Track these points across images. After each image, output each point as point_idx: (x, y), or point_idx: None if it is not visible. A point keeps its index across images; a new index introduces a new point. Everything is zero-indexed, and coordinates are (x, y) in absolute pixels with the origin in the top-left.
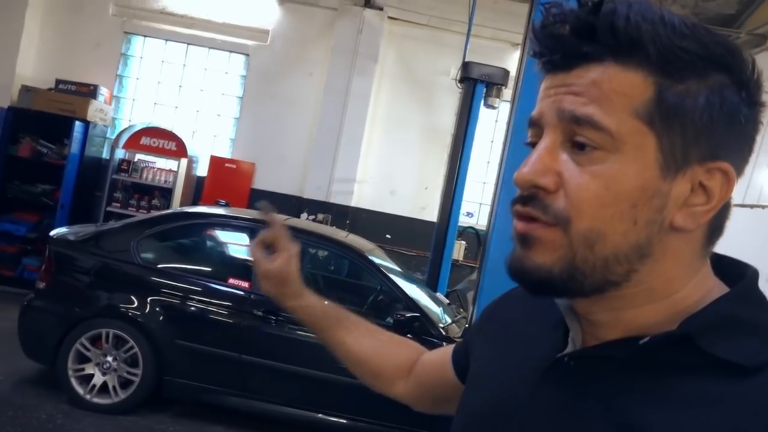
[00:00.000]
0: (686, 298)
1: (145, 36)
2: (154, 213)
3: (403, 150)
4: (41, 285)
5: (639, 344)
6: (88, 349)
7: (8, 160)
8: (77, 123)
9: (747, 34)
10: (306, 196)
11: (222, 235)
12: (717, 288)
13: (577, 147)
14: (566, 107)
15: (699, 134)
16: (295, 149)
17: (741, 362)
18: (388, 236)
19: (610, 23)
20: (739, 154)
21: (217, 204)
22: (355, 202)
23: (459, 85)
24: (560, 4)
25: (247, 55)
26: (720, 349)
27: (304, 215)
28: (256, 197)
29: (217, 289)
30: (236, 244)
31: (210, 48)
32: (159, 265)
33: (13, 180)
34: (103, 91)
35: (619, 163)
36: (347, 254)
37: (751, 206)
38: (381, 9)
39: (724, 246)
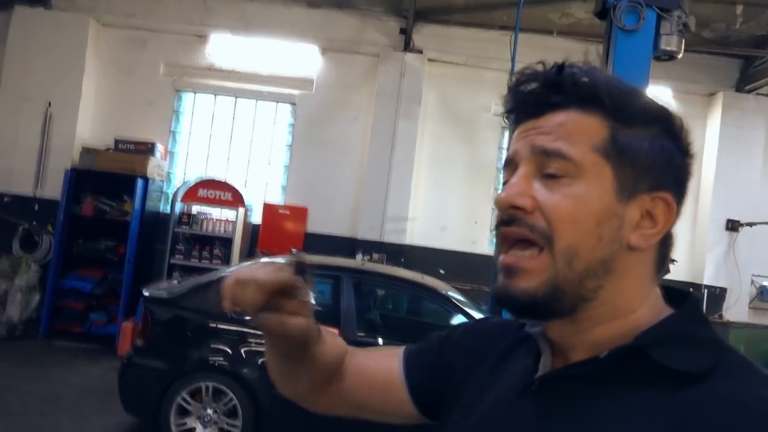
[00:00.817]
0: (641, 317)
1: (194, 92)
2: (244, 264)
3: (450, 186)
4: (140, 342)
5: (599, 359)
6: (188, 403)
7: (72, 220)
8: (138, 180)
9: None
10: (360, 236)
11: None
12: (665, 310)
13: (548, 176)
14: (538, 143)
15: (645, 169)
16: (346, 192)
17: (689, 370)
18: (441, 271)
19: (573, 79)
20: (677, 189)
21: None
22: (408, 239)
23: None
24: (531, 68)
25: (294, 104)
26: (670, 360)
27: (359, 256)
28: (310, 241)
29: None
30: (327, 292)
31: (257, 99)
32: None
33: (77, 238)
34: (159, 147)
35: (584, 186)
36: (428, 295)
37: None
38: (420, 52)
39: None
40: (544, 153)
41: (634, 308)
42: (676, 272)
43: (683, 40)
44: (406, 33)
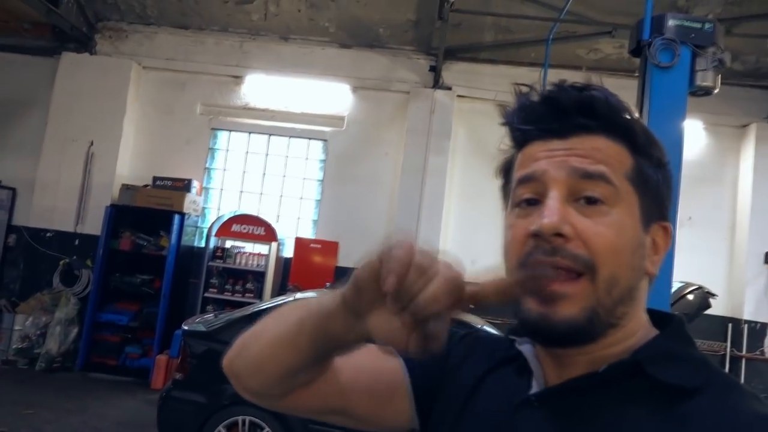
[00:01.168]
0: (638, 337)
1: (230, 131)
2: (278, 299)
3: (480, 219)
4: (178, 375)
5: (598, 373)
6: None
7: (110, 254)
8: (175, 215)
9: None
10: None
11: None
12: (653, 331)
13: (585, 201)
14: (576, 165)
15: (658, 200)
16: (377, 226)
17: (683, 385)
18: (471, 306)
19: (607, 105)
20: (671, 213)
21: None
22: None
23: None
24: (559, 84)
25: (325, 140)
26: (665, 375)
27: None
28: (341, 275)
29: None
30: None
31: (290, 137)
32: None
33: (114, 272)
34: (195, 184)
35: (620, 215)
36: (464, 329)
37: None
38: (450, 89)
39: None
40: (585, 176)
41: (636, 330)
42: (716, 307)
43: (719, 76)
44: (435, 70)
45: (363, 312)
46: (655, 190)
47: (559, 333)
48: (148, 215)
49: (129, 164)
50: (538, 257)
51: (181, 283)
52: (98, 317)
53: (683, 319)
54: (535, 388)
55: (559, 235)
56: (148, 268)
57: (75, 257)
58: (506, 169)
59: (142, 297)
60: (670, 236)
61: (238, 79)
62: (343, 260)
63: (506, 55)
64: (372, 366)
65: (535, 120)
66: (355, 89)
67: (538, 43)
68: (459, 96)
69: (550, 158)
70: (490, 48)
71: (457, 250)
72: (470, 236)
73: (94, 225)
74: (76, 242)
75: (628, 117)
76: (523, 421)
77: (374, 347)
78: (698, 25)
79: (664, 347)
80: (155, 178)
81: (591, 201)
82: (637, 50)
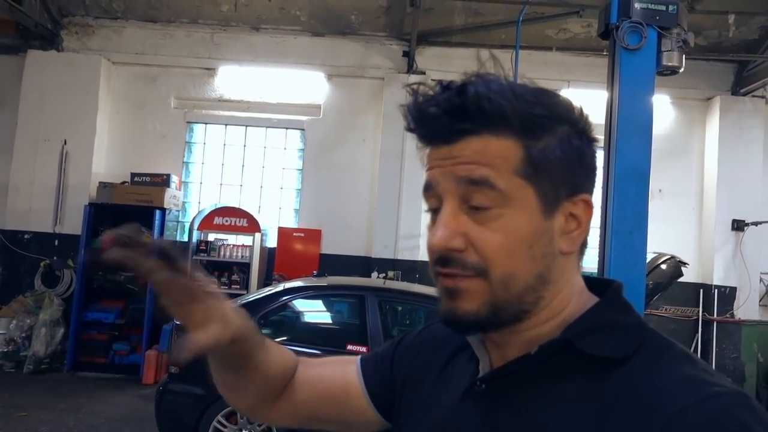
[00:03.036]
0: (571, 310)
1: (206, 123)
2: (267, 290)
3: None
4: (174, 369)
5: (531, 355)
6: (224, 426)
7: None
8: (156, 211)
9: None
10: (374, 255)
11: (334, 304)
12: (591, 300)
13: (473, 209)
14: (461, 174)
15: (562, 177)
16: (358, 212)
17: (611, 356)
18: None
19: (478, 105)
20: (590, 183)
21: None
22: (421, 256)
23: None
24: (427, 89)
25: (303, 129)
26: (595, 348)
27: (375, 274)
28: (325, 262)
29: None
30: (349, 312)
31: (267, 127)
32: (278, 339)
33: (96, 272)
34: (174, 179)
35: (512, 215)
36: None
37: None
38: (424, 73)
39: None
40: (470, 183)
41: (566, 304)
42: (688, 274)
43: (684, 55)
44: (409, 56)
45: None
46: (557, 170)
47: (465, 325)
48: (128, 212)
49: (105, 162)
50: (435, 269)
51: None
52: (84, 316)
53: (620, 285)
54: (481, 373)
55: (453, 249)
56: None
57: (55, 258)
58: None
59: (127, 294)
60: (591, 206)
61: (211, 71)
62: (327, 247)
63: (477, 38)
64: (329, 372)
65: (421, 128)
66: (330, 77)
67: (508, 25)
68: (433, 80)
69: (440, 167)
70: (461, 31)
71: None
72: None
73: (73, 225)
74: (56, 243)
75: (500, 108)
76: (468, 407)
77: (339, 357)
78: (662, 8)
79: (598, 318)
80: (133, 175)
81: (481, 208)
82: (606, 33)
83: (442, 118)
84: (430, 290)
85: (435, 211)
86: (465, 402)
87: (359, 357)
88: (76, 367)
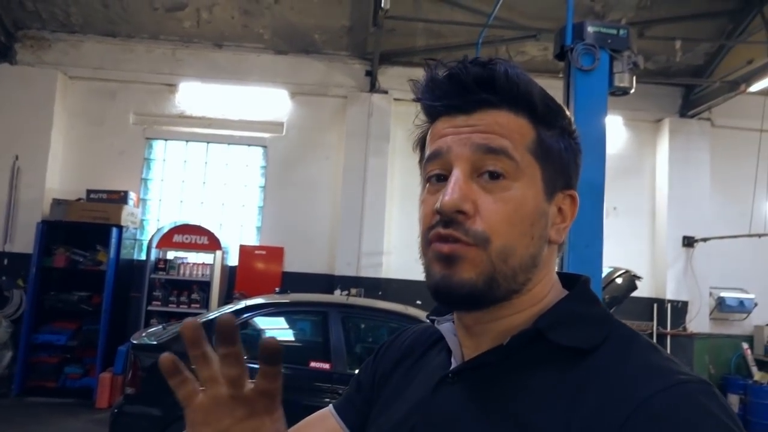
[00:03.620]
0: (546, 302)
1: (166, 139)
2: (228, 308)
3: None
4: (130, 390)
5: (503, 346)
6: None
7: (44, 273)
8: (112, 229)
9: (721, 81)
10: (337, 273)
11: (297, 321)
12: (561, 293)
13: (488, 176)
14: (479, 141)
15: (562, 169)
16: (321, 230)
17: (580, 346)
18: (418, 302)
19: (507, 80)
20: (576, 182)
21: (240, 296)
22: (384, 273)
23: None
24: (460, 60)
25: (265, 146)
26: (564, 338)
27: (338, 291)
28: (288, 280)
29: (301, 372)
30: (312, 329)
31: (229, 144)
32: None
33: (48, 291)
34: (131, 196)
35: (522, 189)
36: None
37: (759, 236)
38: (386, 92)
39: (733, 271)
40: (488, 151)
41: (544, 294)
42: (642, 288)
43: (634, 77)
44: (371, 75)
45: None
46: (559, 160)
47: (459, 294)
48: (83, 230)
49: (59, 178)
50: (437, 230)
51: (121, 298)
52: (34, 339)
53: (588, 279)
54: (453, 365)
55: (461, 212)
56: (86, 285)
57: (4, 278)
58: (422, 143)
59: (80, 314)
60: (576, 204)
61: (172, 87)
62: (289, 265)
63: (439, 59)
64: (311, 428)
65: (441, 96)
66: (293, 95)
67: (468, 47)
68: (396, 99)
69: (455, 135)
70: (423, 52)
71: (400, 250)
72: (413, 235)
73: (24, 243)
74: (5, 262)
75: (529, 89)
76: (441, 398)
77: (310, 419)
78: (614, 32)
79: (567, 310)
80: (89, 191)
81: (493, 176)
82: (561, 54)
83: (469, 86)
84: (393, 306)
85: (438, 178)
86: (437, 393)
87: (330, 405)
88: (25, 392)
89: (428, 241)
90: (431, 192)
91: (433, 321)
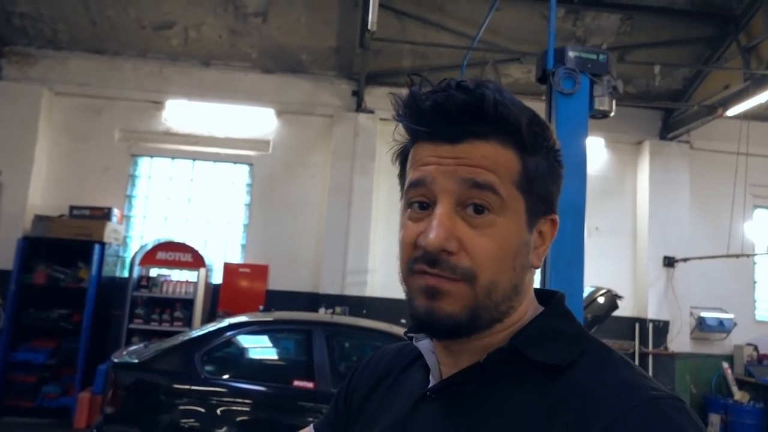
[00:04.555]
0: (522, 320)
1: (151, 156)
2: (210, 327)
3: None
4: (109, 410)
5: (480, 363)
6: None
7: (23, 289)
8: (95, 245)
9: (699, 105)
10: (321, 291)
11: (281, 339)
12: (537, 310)
13: (473, 209)
14: (465, 176)
15: (544, 195)
16: (306, 248)
17: (556, 363)
18: (403, 321)
19: (496, 111)
20: (558, 202)
21: (223, 314)
22: (368, 291)
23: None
24: (446, 86)
25: (251, 164)
26: (540, 355)
27: (322, 310)
28: (272, 298)
29: (284, 391)
30: (296, 347)
31: (215, 161)
32: (224, 376)
33: (27, 309)
34: (115, 212)
35: (506, 224)
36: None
37: (737, 256)
38: (372, 112)
39: (713, 291)
40: (474, 185)
41: (522, 314)
42: (624, 308)
43: (614, 101)
44: (358, 95)
45: None
46: (542, 188)
47: (443, 327)
48: (65, 247)
49: (42, 194)
50: (421, 266)
51: (103, 316)
52: (11, 357)
53: (563, 296)
54: (432, 382)
55: (445, 250)
56: (66, 302)
57: None
58: (402, 159)
59: (60, 333)
60: (556, 226)
61: (158, 104)
62: (274, 283)
63: (424, 75)
64: None
65: (424, 122)
66: (280, 113)
67: (453, 69)
68: (381, 119)
69: (439, 165)
70: (408, 73)
71: (384, 269)
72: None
73: (4, 259)
74: None
75: (518, 119)
76: (419, 417)
77: None
78: (594, 57)
79: (542, 326)
80: (72, 208)
81: (478, 210)
82: (543, 78)
83: (455, 116)
84: (377, 325)
85: (420, 205)
86: (416, 412)
87: (311, 425)
88: (1, 411)
89: (411, 270)
90: (413, 219)
91: (411, 338)
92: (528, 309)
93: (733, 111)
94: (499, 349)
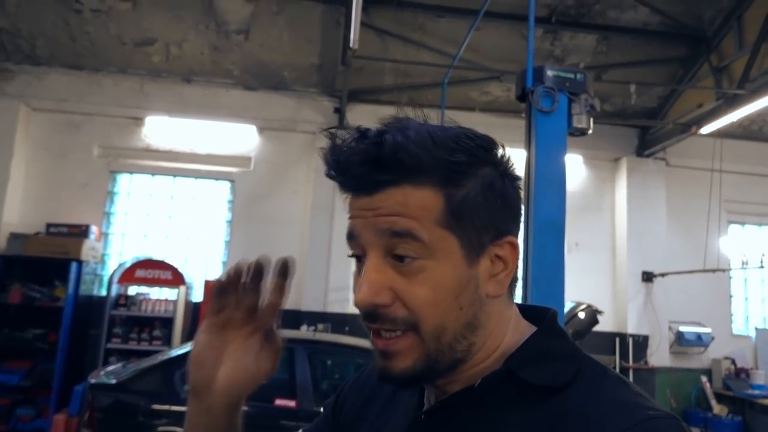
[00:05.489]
0: (508, 342)
1: (131, 173)
2: (190, 345)
3: None
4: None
5: (474, 387)
6: None
7: None
8: (72, 264)
9: (673, 123)
10: (304, 309)
11: None
12: (528, 329)
13: (397, 259)
14: (383, 226)
15: (485, 222)
16: None
17: (550, 384)
18: None
19: (395, 156)
20: (515, 224)
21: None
22: (351, 308)
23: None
24: (347, 139)
25: (233, 181)
26: (535, 376)
27: (304, 327)
28: None
29: (266, 410)
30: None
31: (196, 178)
32: None
33: (2, 329)
34: (93, 230)
35: (436, 267)
36: None
37: (713, 270)
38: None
39: (690, 305)
40: (393, 235)
41: (501, 339)
42: (605, 323)
43: (591, 119)
44: (340, 112)
45: (205, 382)
46: (479, 216)
47: (400, 382)
48: (41, 265)
49: (18, 211)
50: (366, 323)
51: (79, 336)
52: None
53: (555, 314)
54: (426, 405)
55: (377, 304)
56: (42, 322)
57: None
58: None
59: (35, 353)
60: (517, 246)
61: (138, 120)
62: None
63: (406, 98)
64: None
65: (338, 178)
66: (262, 130)
67: (434, 87)
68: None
69: (361, 218)
70: (390, 90)
71: None
72: None
73: None
74: None
75: (418, 158)
76: None
77: None
78: (572, 76)
79: (536, 347)
80: (49, 225)
81: (401, 258)
82: (523, 96)
83: (361, 169)
84: (360, 342)
85: (359, 258)
86: None
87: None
88: None
89: (367, 328)
90: (357, 270)
91: None
92: (510, 332)
93: (706, 129)
94: (493, 373)
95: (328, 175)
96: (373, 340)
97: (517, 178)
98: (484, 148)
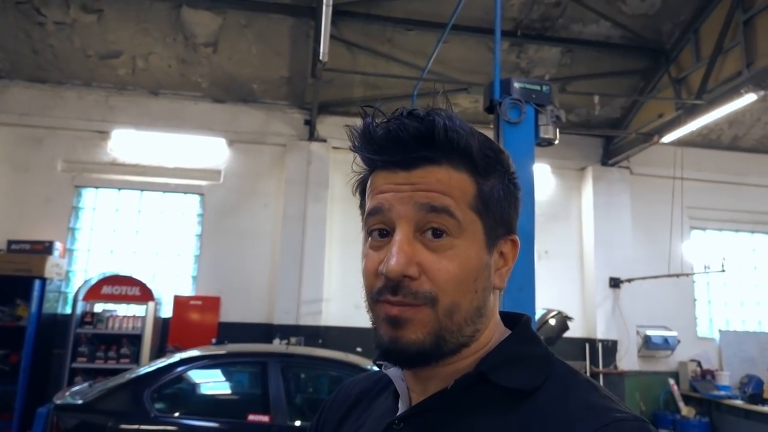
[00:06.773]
0: (490, 344)
1: (96, 187)
2: (160, 362)
3: (360, 264)
4: None
5: (447, 390)
6: None
7: None
8: (35, 281)
9: (636, 133)
10: (276, 322)
11: (234, 373)
12: (505, 333)
13: (431, 234)
14: (422, 200)
15: (502, 217)
16: (259, 278)
17: (522, 387)
18: (359, 349)
19: (447, 136)
20: (516, 225)
21: (173, 349)
22: (323, 320)
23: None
24: (398, 115)
25: (202, 194)
26: (507, 380)
27: (276, 341)
28: (224, 331)
29: (239, 427)
30: (251, 380)
31: (164, 192)
32: (175, 414)
33: None
34: (57, 246)
35: (465, 246)
36: (354, 372)
37: (677, 275)
38: (325, 141)
39: (657, 310)
40: (430, 210)
41: (489, 337)
42: (575, 329)
43: (558, 129)
44: (310, 124)
45: None
46: (499, 210)
47: (408, 355)
48: (2, 283)
49: None
50: (385, 296)
51: (43, 356)
52: None
53: (529, 319)
54: (401, 410)
55: (407, 276)
56: (3, 342)
57: None
58: (361, 190)
59: None
60: (517, 247)
61: (104, 134)
62: (226, 315)
63: (376, 106)
64: None
65: (379, 151)
66: (231, 143)
67: (404, 98)
68: (334, 147)
69: (395, 192)
70: (360, 103)
71: (339, 297)
72: (353, 281)
73: None
74: None
75: (468, 143)
76: None
77: None
78: (537, 88)
79: (509, 351)
80: (10, 242)
81: (437, 233)
82: (491, 108)
83: (410, 143)
84: (334, 354)
85: (380, 233)
86: None
87: None
88: None
89: (375, 299)
90: (374, 247)
91: (380, 366)
92: (494, 333)
93: (667, 138)
94: (465, 375)
95: (358, 149)
96: (383, 308)
97: (520, 188)
98: (501, 152)
